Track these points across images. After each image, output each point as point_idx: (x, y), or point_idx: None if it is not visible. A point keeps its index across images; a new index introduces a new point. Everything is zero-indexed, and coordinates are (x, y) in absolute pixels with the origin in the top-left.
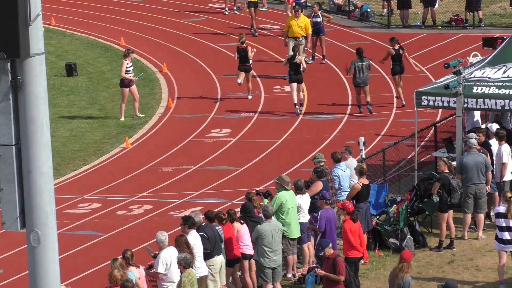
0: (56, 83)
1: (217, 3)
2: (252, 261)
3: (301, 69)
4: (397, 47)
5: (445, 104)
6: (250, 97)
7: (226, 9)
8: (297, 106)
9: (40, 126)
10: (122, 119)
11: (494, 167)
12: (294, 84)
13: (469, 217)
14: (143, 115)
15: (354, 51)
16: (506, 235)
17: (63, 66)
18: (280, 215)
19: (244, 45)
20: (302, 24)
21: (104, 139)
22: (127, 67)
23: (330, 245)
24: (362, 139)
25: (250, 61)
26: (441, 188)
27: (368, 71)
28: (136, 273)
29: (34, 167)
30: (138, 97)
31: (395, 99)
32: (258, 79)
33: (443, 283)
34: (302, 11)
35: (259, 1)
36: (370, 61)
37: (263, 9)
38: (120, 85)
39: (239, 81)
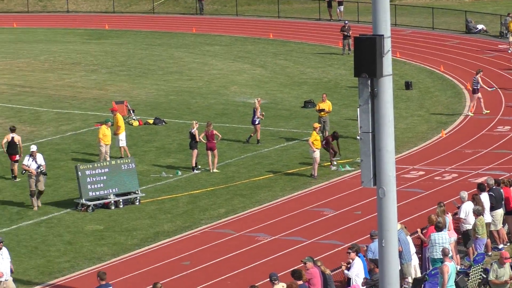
0: (398, 94)
1: (504, 45)
2: None
3: None
4: None
5: None
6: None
7: (510, 49)
8: None
9: (388, 121)
10: (484, 112)
11: None
12: None
13: None
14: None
15: None
16: None
17: (403, 83)
18: None
19: None
20: None
21: (428, 130)
22: (476, 81)
23: None
24: None
25: None
26: None
27: None
28: (448, 218)
29: (382, 147)
30: (478, 97)
31: None
32: None
33: None
34: None
35: None
36: None
37: None
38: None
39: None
